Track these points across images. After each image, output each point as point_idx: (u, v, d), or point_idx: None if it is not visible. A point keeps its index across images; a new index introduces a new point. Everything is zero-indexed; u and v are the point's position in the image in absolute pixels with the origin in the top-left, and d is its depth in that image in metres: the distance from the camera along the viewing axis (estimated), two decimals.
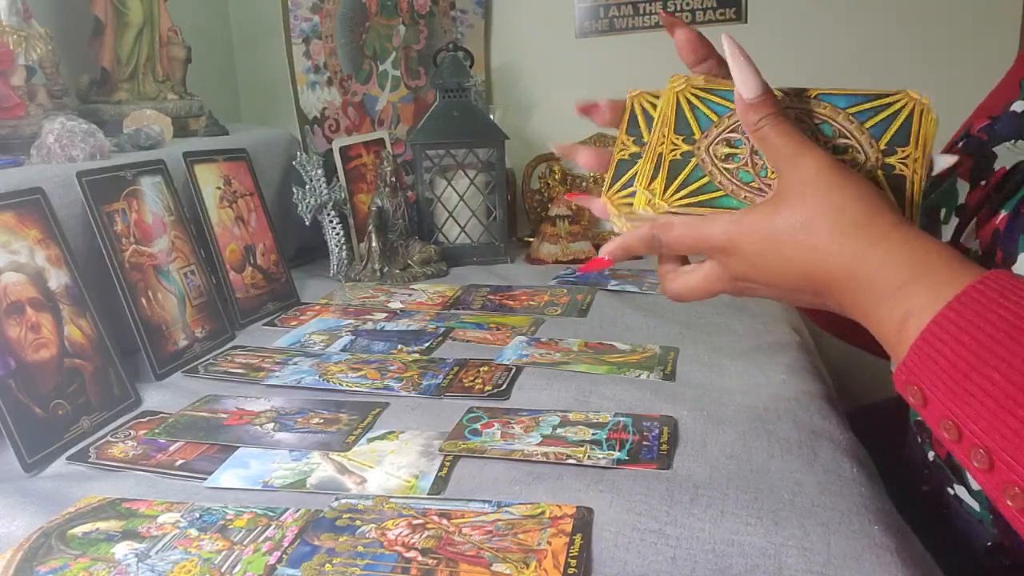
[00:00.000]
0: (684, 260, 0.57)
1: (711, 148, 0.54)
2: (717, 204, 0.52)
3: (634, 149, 0.57)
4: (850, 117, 0.53)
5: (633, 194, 0.55)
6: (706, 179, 0.53)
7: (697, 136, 0.54)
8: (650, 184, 0.54)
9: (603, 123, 0.60)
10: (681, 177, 0.53)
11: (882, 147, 0.52)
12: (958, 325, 0.39)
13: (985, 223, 0.53)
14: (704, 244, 0.51)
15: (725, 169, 0.53)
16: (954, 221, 0.58)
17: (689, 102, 0.55)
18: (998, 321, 0.38)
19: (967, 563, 0.57)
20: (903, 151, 0.52)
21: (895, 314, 0.43)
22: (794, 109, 0.53)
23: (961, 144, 0.61)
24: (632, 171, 0.56)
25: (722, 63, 0.56)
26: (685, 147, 0.54)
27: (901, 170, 0.52)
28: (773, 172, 0.51)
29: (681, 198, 0.53)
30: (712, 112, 0.54)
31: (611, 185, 0.56)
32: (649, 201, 0.54)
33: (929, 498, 0.62)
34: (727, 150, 0.53)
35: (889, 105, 0.53)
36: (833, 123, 0.53)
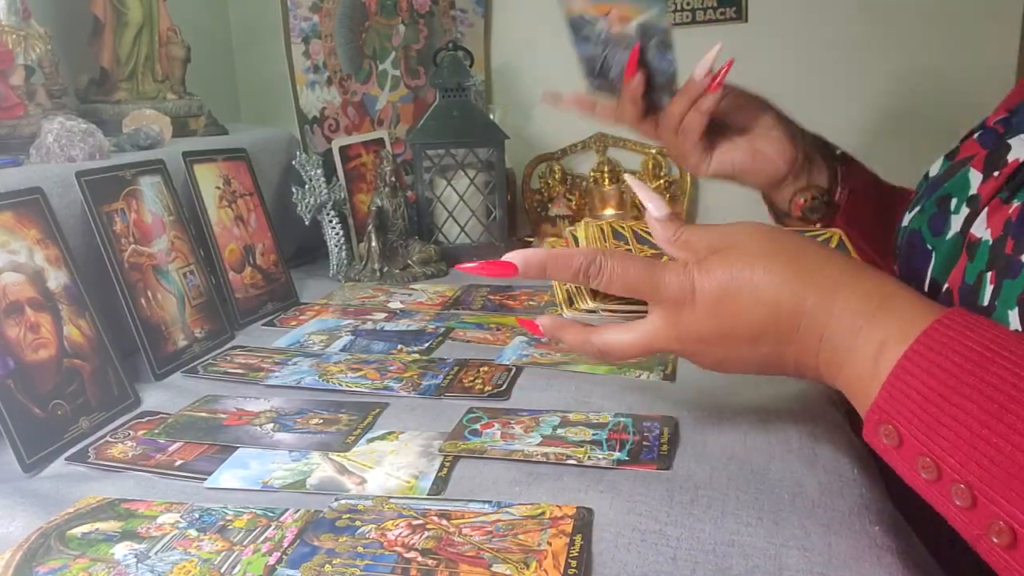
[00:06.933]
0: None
1: None
2: None
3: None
4: None
5: None
6: None
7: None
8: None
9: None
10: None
11: None
12: (928, 359, 0.40)
13: (995, 212, 0.53)
14: (650, 285, 0.50)
15: None
16: (964, 211, 0.58)
17: None
18: (966, 352, 0.39)
19: (966, 567, 0.56)
20: None
21: (872, 343, 0.43)
22: None
23: (977, 136, 0.61)
24: None
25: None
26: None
27: None
28: None
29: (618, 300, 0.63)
30: None
31: None
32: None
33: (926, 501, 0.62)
34: None
35: None
36: None
